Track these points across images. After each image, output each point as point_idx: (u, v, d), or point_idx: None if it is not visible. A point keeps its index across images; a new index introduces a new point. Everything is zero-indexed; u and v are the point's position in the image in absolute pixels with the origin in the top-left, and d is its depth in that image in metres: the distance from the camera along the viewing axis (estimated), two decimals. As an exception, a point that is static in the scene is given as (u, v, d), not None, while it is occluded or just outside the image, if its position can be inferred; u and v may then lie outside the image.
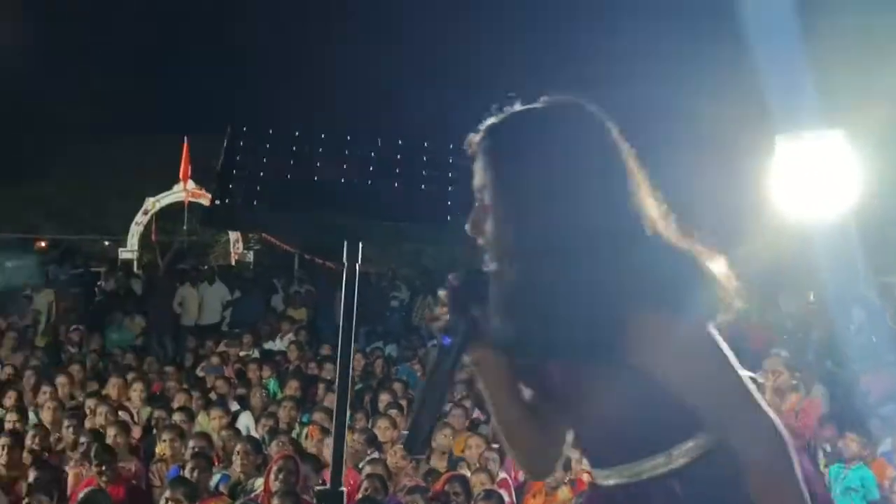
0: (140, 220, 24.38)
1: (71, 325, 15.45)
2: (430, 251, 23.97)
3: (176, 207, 24.72)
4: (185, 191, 24.07)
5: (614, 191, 2.17)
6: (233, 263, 24.71)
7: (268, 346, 14.53)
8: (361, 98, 26.29)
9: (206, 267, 21.06)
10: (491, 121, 2.25)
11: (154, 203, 24.34)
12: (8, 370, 11.53)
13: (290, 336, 14.58)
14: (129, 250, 24.34)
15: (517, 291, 2.16)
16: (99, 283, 19.16)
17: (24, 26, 28.85)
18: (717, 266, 2.18)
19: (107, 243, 28.96)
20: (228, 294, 17.52)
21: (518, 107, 2.25)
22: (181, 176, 23.95)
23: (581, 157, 2.17)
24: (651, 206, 2.20)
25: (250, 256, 25.65)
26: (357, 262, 4.15)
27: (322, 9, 31.82)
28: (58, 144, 29.74)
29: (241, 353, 13.59)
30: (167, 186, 24.37)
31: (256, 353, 13.60)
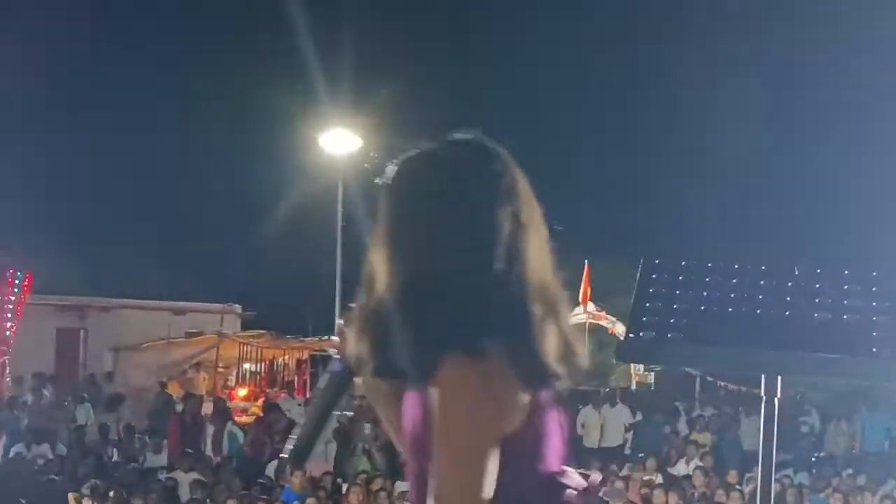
0: (542, 341, 25.01)
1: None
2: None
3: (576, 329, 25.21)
4: (585, 313, 24.52)
5: (477, 238, 2.16)
6: (633, 386, 24.70)
7: (672, 470, 14.32)
8: (775, 225, 25.85)
9: (607, 389, 21.21)
10: (406, 156, 2.30)
11: (555, 325, 24.92)
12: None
13: (696, 461, 14.30)
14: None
15: (371, 315, 2.22)
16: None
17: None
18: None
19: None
20: (631, 416, 17.50)
21: (431, 145, 2.29)
22: (581, 299, 24.45)
23: (453, 203, 2.19)
24: (521, 259, 2.17)
25: (651, 378, 25.54)
26: (776, 395, 4.03)
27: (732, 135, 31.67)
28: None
29: (646, 478, 13.48)
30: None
31: (660, 479, 13.44)
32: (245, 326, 27.47)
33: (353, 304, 2.33)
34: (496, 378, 2.08)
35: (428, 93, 31.31)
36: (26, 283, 18.88)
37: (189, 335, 24.58)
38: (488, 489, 2.05)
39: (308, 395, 22.57)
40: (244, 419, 18.06)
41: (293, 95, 30.36)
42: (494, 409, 2.08)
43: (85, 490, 11.31)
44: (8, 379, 19.09)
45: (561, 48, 34.16)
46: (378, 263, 2.27)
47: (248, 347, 25.71)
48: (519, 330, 2.14)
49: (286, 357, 27.53)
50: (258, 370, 27.14)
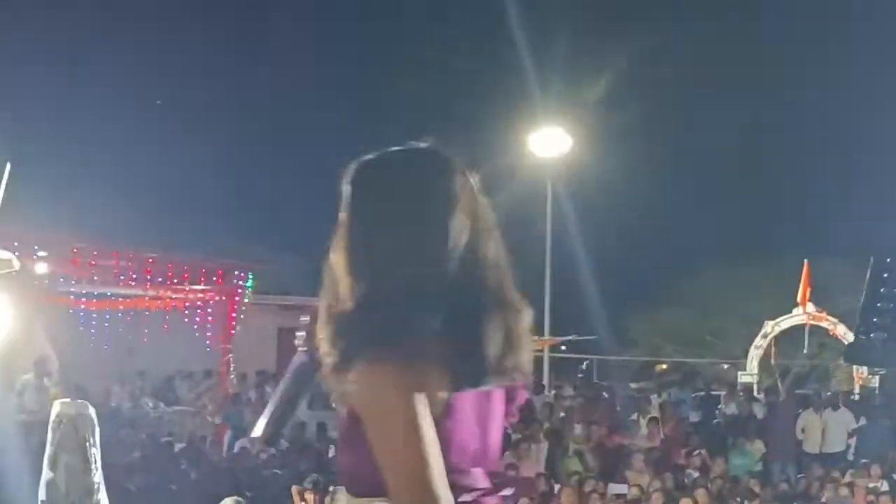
0: (759, 343, 24.36)
1: (692, 449, 15.71)
2: None
3: (795, 331, 24.43)
4: (805, 314, 23.70)
5: (431, 241, 2.25)
6: (856, 389, 23.68)
7: (900, 478, 13.67)
8: None
9: (829, 392, 20.43)
10: (366, 157, 2.39)
11: (773, 326, 24.22)
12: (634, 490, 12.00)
13: (925, 470, 13.60)
14: (748, 374, 24.38)
15: (330, 313, 2.30)
16: (719, 406, 19.38)
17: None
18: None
19: (725, 366, 29.28)
20: (854, 421, 16.80)
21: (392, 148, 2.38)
22: (800, 300, 23.64)
23: (407, 203, 2.29)
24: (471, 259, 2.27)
25: (875, 381, 24.42)
26: None
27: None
28: (683, 270, 30.82)
29: (871, 485, 12.92)
30: (787, 310, 24.19)
31: (886, 486, 12.86)
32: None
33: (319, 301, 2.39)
34: (423, 379, 2.16)
35: (640, 92, 30.85)
36: (250, 285, 19.68)
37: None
38: (436, 475, 2.14)
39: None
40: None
41: (502, 97, 30.54)
42: (416, 406, 2.14)
43: (307, 484, 11.70)
44: (232, 376, 19.95)
45: (805, 47, 33.01)
46: (337, 263, 2.35)
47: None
48: (468, 330, 2.23)
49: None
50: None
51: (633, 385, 25.03)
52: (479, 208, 2.38)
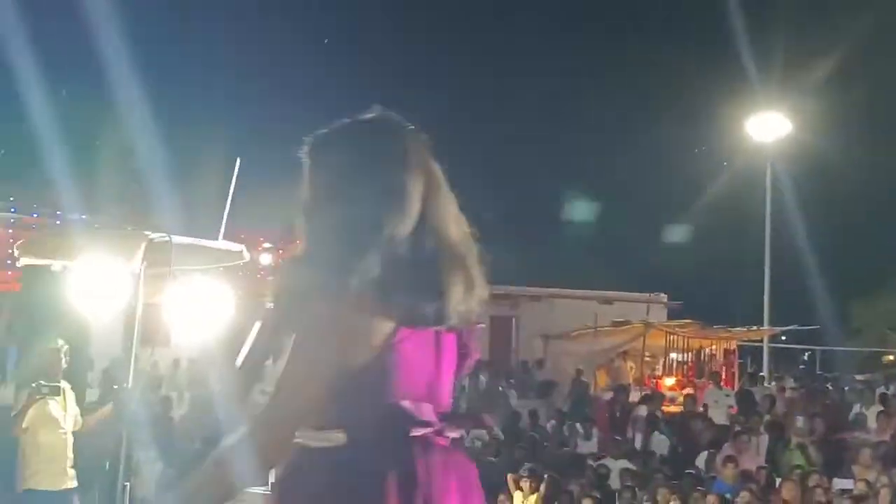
0: None
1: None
2: None
3: None
4: None
5: (385, 201, 2.47)
6: None
7: None
8: None
9: None
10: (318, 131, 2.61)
11: None
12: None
13: None
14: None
15: (292, 265, 2.58)
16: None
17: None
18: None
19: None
20: None
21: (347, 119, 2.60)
22: None
23: (360, 170, 2.51)
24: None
25: None
26: None
27: None
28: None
29: None
30: None
31: None
32: (671, 316, 27.36)
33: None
34: (351, 318, 2.38)
35: (861, 75, 29.55)
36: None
37: (615, 324, 24.82)
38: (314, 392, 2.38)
39: (735, 387, 22.14)
40: (672, 409, 17.99)
41: (720, 83, 29.86)
42: (337, 344, 2.37)
43: (523, 472, 11.76)
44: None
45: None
46: (301, 220, 2.59)
47: (675, 337, 25.55)
48: (420, 277, 2.44)
49: (713, 347, 27.12)
50: (685, 360, 26.93)
51: (858, 377, 24.02)
52: (431, 171, 2.59)
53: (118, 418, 6.18)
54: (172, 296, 6.20)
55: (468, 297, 2.56)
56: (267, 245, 16.44)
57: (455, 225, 2.62)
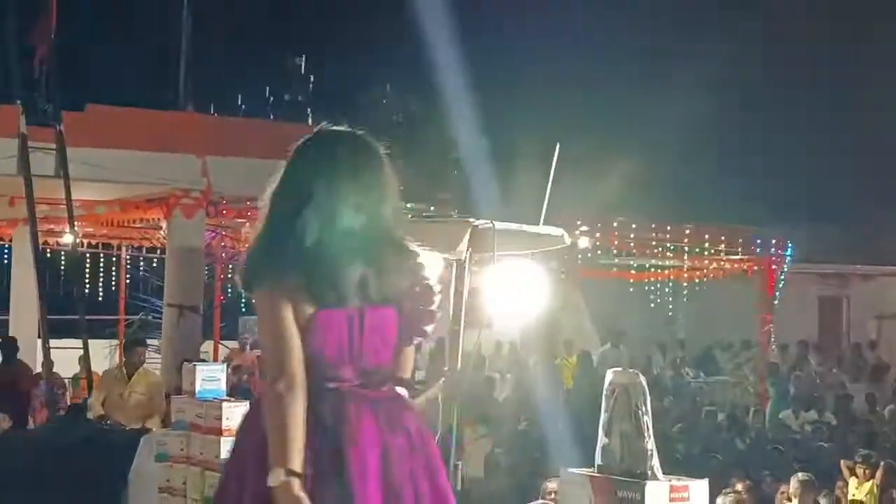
0: None
1: None
2: None
3: None
4: None
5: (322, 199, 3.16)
6: None
7: None
8: None
9: None
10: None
11: None
12: None
13: None
14: None
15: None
16: None
17: None
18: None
19: None
20: None
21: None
22: None
23: (308, 164, 3.27)
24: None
25: None
26: None
27: None
28: None
29: None
30: None
31: None
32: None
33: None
34: (286, 298, 3.11)
35: None
36: (789, 254, 19.21)
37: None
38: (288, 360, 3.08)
39: None
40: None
41: None
42: (278, 315, 3.11)
43: (857, 458, 11.22)
44: (773, 346, 19.62)
45: None
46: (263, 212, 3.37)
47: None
48: (329, 267, 3.12)
49: None
50: None
51: None
52: (367, 176, 3.23)
53: (448, 399, 6.41)
54: (494, 280, 6.36)
55: (376, 284, 3.15)
56: (584, 228, 16.50)
57: (393, 223, 3.25)
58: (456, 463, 6.24)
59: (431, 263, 3.30)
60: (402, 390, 3.29)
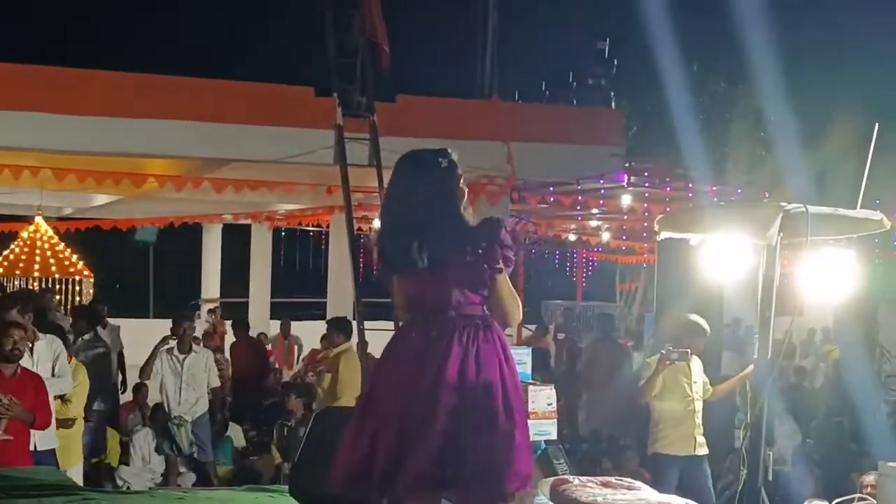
0: None
1: None
2: None
3: None
4: None
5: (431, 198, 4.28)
6: None
7: None
8: None
9: None
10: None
11: None
12: None
13: None
14: None
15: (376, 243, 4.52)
16: None
17: None
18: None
19: None
20: None
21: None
22: None
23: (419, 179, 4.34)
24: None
25: None
26: None
27: None
28: None
29: None
30: None
31: None
32: None
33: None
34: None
35: None
36: None
37: None
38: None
39: None
40: None
41: None
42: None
43: None
44: None
45: None
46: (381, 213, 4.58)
47: None
48: (400, 243, 4.29)
49: None
50: None
51: None
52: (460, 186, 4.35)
53: (756, 388, 6.23)
54: (807, 266, 6.10)
55: (430, 249, 4.21)
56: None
57: (469, 219, 4.30)
58: (766, 453, 6.06)
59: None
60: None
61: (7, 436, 7.10)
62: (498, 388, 4.16)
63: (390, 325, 13.84)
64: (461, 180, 4.34)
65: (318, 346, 17.29)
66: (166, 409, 10.95)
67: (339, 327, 11.69)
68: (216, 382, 11.37)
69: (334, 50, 13.02)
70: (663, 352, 8.25)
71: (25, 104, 12.95)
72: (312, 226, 22.93)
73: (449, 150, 4.37)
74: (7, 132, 12.85)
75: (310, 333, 18.10)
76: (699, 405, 8.39)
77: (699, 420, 8.39)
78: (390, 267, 4.33)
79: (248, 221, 23.15)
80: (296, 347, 18.21)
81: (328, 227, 20.21)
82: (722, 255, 6.56)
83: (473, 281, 4.25)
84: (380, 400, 4.25)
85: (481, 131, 14.35)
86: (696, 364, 8.45)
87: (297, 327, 19.08)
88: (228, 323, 18.23)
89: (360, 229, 18.06)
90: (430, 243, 4.20)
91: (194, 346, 11.14)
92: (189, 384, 10.89)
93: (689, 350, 8.24)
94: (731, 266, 6.58)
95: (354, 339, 11.43)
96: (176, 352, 10.89)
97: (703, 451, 8.39)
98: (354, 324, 11.73)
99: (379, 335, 14.94)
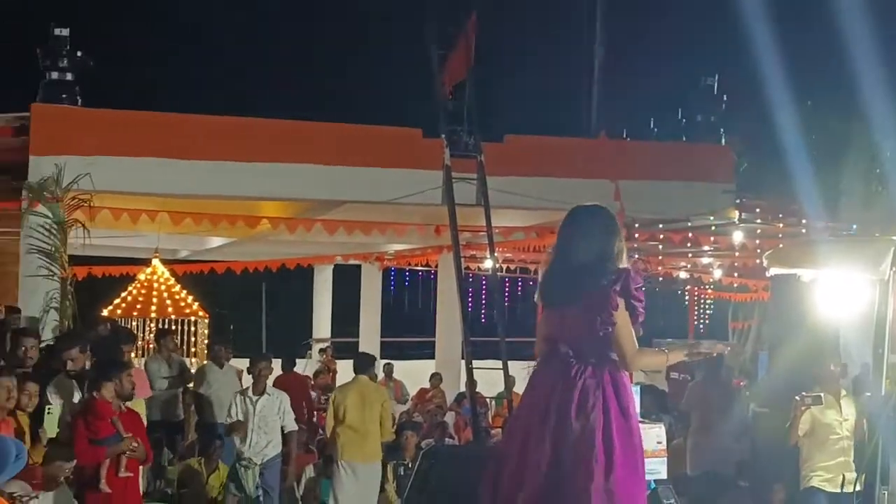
0: None
1: None
2: None
3: None
4: None
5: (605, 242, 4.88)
6: None
7: None
8: None
9: None
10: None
11: None
12: None
13: None
14: None
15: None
16: None
17: None
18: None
19: None
20: None
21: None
22: None
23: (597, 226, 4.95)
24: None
25: None
26: None
27: None
28: None
29: None
30: None
31: None
32: None
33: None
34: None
35: None
36: None
37: None
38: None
39: None
40: None
41: None
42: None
43: None
44: None
45: None
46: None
47: None
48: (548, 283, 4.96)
49: None
50: None
51: None
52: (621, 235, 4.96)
53: (871, 426, 6.09)
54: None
55: (563, 291, 4.80)
56: None
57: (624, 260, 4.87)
58: (883, 491, 5.92)
59: None
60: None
61: (128, 472, 7.34)
62: (598, 434, 4.40)
63: (498, 363, 13.92)
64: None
65: (426, 384, 17.38)
66: (236, 450, 10.72)
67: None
68: (292, 426, 10.88)
69: (441, 92, 13.18)
70: (797, 398, 8.40)
71: (142, 150, 13.33)
72: (421, 265, 23.13)
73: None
74: (125, 178, 13.23)
75: (419, 373, 18.21)
76: (848, 443, 8.43)
77: (848, 457, 8.44)
78: (542, 300, 4.83)
79: (359, 262, 23.45)
80: (400, 388, 18.25)
81: (437, 266, 20.35)
82: (836, 291, 6.47)
83: (600, 322, 4.58)
84: (506, 437, 4.87)
85: (588, 170, 14.34)
86: (847, 402, 8.48)
87: (405, 366, 19.19)
88: (339, 363, 18.40)
89: (467, 268, 18.14)
90: (582, 283, 4.66)
91: (268, 389, 10.86)
92: (260, 427, 10.60)
93: (821, 394, 8.28)
94: (845, 303, 6.47)
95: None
96: (250, 393, 10.73)
97: (850, 488, 8.32)
98: (463, 363, 11.73)
99: (487, 374, 15.06)
